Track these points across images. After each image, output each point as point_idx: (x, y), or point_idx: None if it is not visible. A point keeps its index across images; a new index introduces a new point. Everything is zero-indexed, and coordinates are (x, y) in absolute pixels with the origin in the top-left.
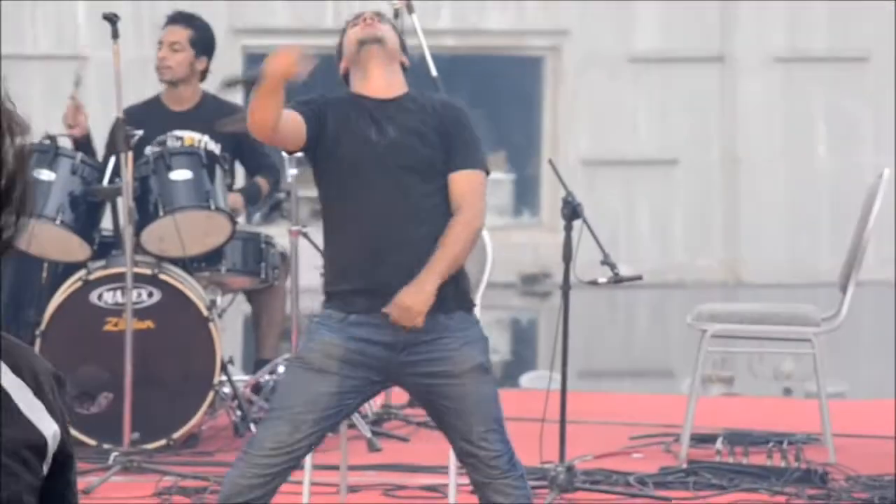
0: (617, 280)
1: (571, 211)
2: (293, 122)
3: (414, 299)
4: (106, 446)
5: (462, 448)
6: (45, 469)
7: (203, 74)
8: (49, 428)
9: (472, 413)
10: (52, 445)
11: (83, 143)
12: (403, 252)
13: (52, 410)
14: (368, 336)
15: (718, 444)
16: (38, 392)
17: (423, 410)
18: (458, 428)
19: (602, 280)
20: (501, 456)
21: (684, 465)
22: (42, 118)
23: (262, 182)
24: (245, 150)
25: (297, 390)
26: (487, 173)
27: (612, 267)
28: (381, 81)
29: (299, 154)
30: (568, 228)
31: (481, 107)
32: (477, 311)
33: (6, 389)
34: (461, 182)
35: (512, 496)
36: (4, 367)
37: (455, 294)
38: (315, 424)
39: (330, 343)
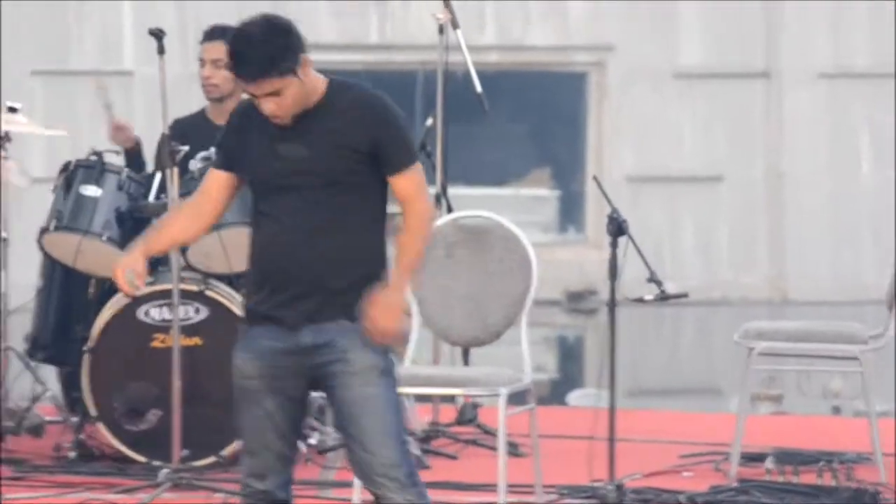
0: (663, 297)
1: (617, 227)
2: (218, 187)
3: (390, 298)
4: (156, 463)
5: (359, 457)
6: None
7: None
8: None
9: (365, 416)
10: None
11: (133, 154)
12: (313, 267)
13: None
14: (272, 346)
15: (768, 463)
16: None
17: (471, 428)
18: (353, 433)
19: (648, 297)
20: (398, 466)
21: (735, 484)
22: (89, 134)
23: None
24: None
25: (246, 421)
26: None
27: (659, 284)
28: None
29: None
30: (613, 245)
31: (525, 122)
32: (523, 327)
33: None
34: (403, 184)
35: None
36: None
37: (362, 301)
38: (278, 440)
39: (244, 364)
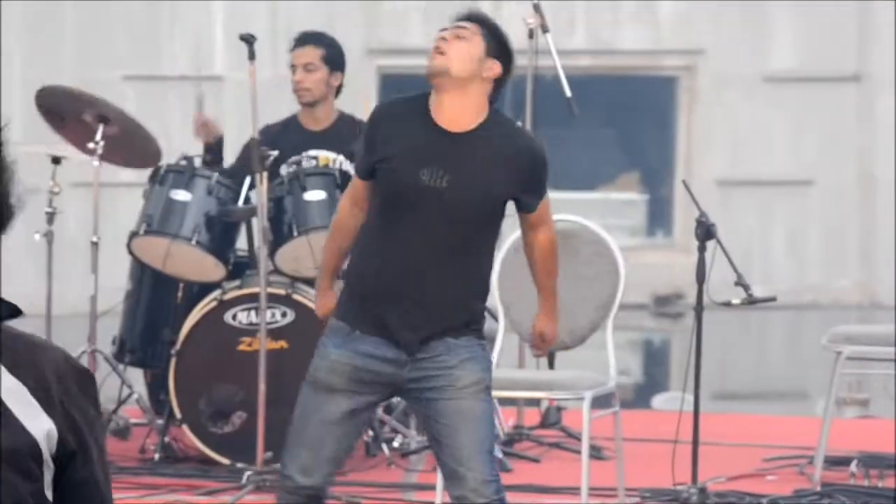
0: (751, 301)
1: (705, 231)
2: (364, 197)
3: (550, 328)
4: (239, 465)
5: (451, 470)
6: (48, 472)
7: (338, 90)
8: (40, 427)
9: (465, 431)
10: (45, 446)
11: (214, 148)
12: (429, 293)
13: (50, 406)
14: (373, 351)
15: (853, 467)
16: (38, 389)
17: (555, 431)
18: (449, 446)
19: (736, 301)
20: (490, 483)
21: (818, 488)
22: (180, 138)
23: None
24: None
25: (311, 413)
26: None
27: (746, 288)
28: (452, 112)
29: None
30: (702, 249)
31: (615, 127)
32: (608, 331)
33: (1, 396)
34: (535, 216)
35: None
36: (3, 370)
37: (467, 322)
38: (336, 443)
39: (337, 361)
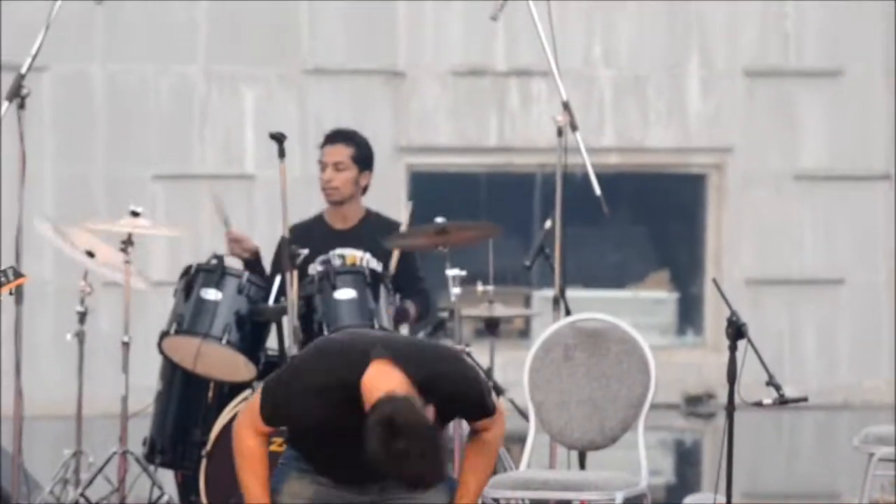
0: (782, 401)
1: (736, 331)
2: (267, 432)
3: None
4: None
5: None
6: None
7: (365, 189)
8: None
9: None
10: None
11: (253, 262)
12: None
13: None
14: (333, 484)
15: None
16: None
17: None
18: None
19: (767, 401)
20: None
21: None
22: (210, 237)
23: (410, 307)
24: (401, 270)
25: None
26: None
27: (778, 388)
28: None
29: (461, 273)
30: (732, 348)
31: (644, 224)
32: (640, 430)
33: None
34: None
35: None
36: None
37: None
38: None
39: (298, 483)
